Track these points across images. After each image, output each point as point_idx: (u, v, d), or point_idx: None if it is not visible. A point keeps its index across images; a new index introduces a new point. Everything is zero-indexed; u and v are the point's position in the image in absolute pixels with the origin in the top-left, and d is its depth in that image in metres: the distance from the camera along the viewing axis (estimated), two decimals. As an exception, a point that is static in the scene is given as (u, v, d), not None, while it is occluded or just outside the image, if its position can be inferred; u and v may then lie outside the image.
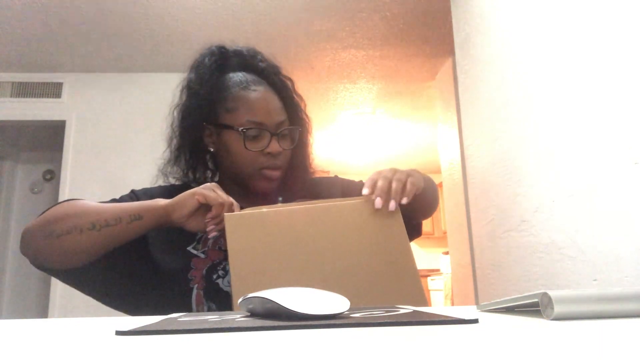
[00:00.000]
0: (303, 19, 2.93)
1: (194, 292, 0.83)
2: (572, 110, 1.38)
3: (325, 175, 1.09)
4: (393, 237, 0.72)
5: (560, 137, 1.44)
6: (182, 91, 0.97)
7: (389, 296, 0.68)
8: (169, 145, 0.97)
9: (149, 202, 0.80)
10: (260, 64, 0.98)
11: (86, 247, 0.78)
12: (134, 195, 0.93)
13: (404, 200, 0.74)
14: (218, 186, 0.81)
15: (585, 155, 1.32)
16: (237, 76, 0.94)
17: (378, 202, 0.72)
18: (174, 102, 0.98)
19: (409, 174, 0.78)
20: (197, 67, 0.97)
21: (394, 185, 0.74)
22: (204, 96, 0.93)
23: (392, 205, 0.73)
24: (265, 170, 0.91)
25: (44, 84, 3.53)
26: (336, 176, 1.08)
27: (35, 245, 0.81)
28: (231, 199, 0.79)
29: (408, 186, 0.76)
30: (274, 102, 0.93)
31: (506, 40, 1.79)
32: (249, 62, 0.97)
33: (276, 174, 0.92)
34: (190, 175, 0.98)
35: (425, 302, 0.69)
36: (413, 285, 0.70)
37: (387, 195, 0.74)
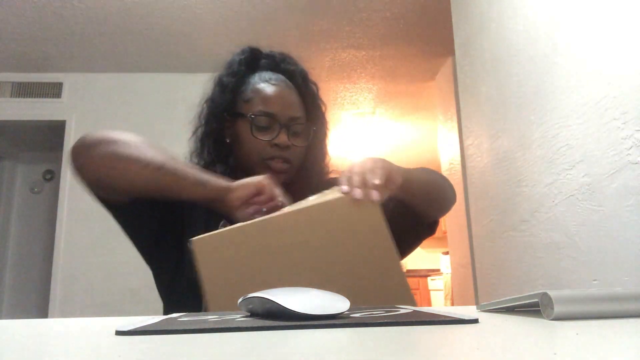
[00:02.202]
0: (303, 19, 2.93)
1: None
2: (571, 110, 1.38)
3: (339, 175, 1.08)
4: (373, 232, 0.68)
5: (560, 137, 1.44)
6: (212, 86, 1.00)
7: (375, 294, 0.66)
8: (194, 133, 0.99)
9: (219, 178, 0.80)
10: (290, 66, 0.99)
11: (139, 181, 0.78)
12: None
13: (376, 195, 0.68)
14: (274, 183, 0.80)
15: (585, 155, 1.32)
16: (263, 74, 0.97)
17: (358, 192, 0.68)
18: (206, 95, 1.01)
19: (384, 165, 0.75)
20: (229, 63, 1.00)
21: (367, 177, 0.70)
22: (229, 89, 0.95)
23: (375, 195, 0.68)
24: (271, 161, 0.91)
25: (44, 84, 3.53)
26: None
27: (98, 158, 0.79)
28: (279, 198, 0.78)
29: (386, 177, 0.72)
30: (291, 97, 0.94)
31: (506, 40, 1.79)
32: (279, 64, 0.99)
33: (282, 166, 0.91)
34: (217, 169, 0.98)
35: (411, 297, 0.67)
36: (398, 281, 0.68)
37: (365, 187, 0.69)
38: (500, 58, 1.83)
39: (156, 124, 3.37)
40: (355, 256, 0.68)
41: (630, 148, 1.14)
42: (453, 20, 2.37)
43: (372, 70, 3.60)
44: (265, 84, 0.94)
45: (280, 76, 0.96)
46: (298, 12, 2.86)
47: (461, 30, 2.27)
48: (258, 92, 0.93)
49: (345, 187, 0.69)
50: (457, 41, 2.32)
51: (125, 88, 3.56)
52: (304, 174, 0.97)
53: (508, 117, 1.77)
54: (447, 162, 3.48)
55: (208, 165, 0.97)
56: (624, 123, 1.17)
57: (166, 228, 0.88)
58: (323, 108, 1.02)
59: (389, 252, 0.69)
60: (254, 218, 0.74)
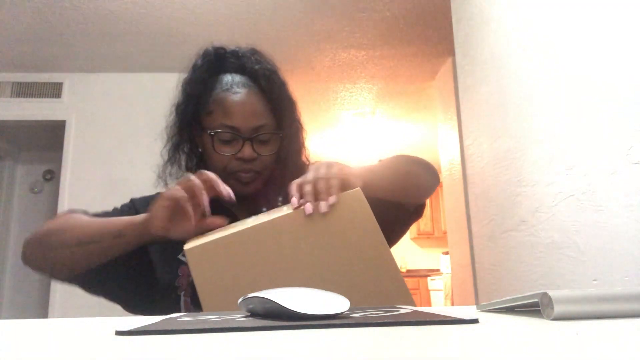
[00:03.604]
0: (303, 19, 2.93)
1: (182, 299, 0.84)
2: (571, 110, 1.38)
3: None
4: (364, 229, 0.69)
5: (560, 137, 1.44)
6: (180, 91, 0.97)
7: (372, 291, 0.67)
8: (168, 142, 0.97)
9: (131, 217, 0.78)
10: (255, 65, 0.94)
11: (73, 262, 0.81)
12: (132, 206, 0.93)
13: (332, 199, 0.68)
14: (188, 176, 0.75)
15: (585, 156, 1.32)
16: (226, 78, 0.92)
17: (308, 207, 0.67)
18: (174, 102, 0.98)
19: (331, 167, 0.73)
20: (193, 67, 0.96)
21: (319, 185, 0.69)
22: (192, 99, 0.92)
23: (324, 206, 0.67)
24: (238, 174, 0.89)
25: (44, 84, 3.53)
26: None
27: (34, 257, 0.86)
28: (204, 177, 0.74)
29: (333, 182, 0.70)
30: (255, 105, 0.89)
31: (506, 40, 1.79)
32: (244, 63, 0.94)
33: (248, 177, 0.89)
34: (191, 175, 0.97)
35: (406, 290, 0.67)
36: (393, 278, 0.68)
37: (314, 198, 0.68)
38: (500, 58, 1.83)
39: (156, 124, 3.37)
40: (348, 253, 0.68)
41: (630, 148, 1.14)
42: (453, 20, 2.37)
43: (372, 70, 3.60)
44: (226, 93, 0.89)
45: (244, 80, 0.91)
46: (298, 12, 2.86)
47: (461, 30, 2.27)
48: (219, 103, 0.89)
49: (294, 201, 0.68)
50: (457, 41, 2.32)
51: (125, 88, 3.56)
52: (281, 177, 0.94)
53: (508, 117, 1.77)
54: (447, 162, 3.48)
55: (189, 172, 0.96)
56: (624, 123, 1.17)
57: (133, 269, 0.87)
58: (292, 106, 0.96)
59: (382, 248, 0.69)
60: (199, 232, 0.73)
